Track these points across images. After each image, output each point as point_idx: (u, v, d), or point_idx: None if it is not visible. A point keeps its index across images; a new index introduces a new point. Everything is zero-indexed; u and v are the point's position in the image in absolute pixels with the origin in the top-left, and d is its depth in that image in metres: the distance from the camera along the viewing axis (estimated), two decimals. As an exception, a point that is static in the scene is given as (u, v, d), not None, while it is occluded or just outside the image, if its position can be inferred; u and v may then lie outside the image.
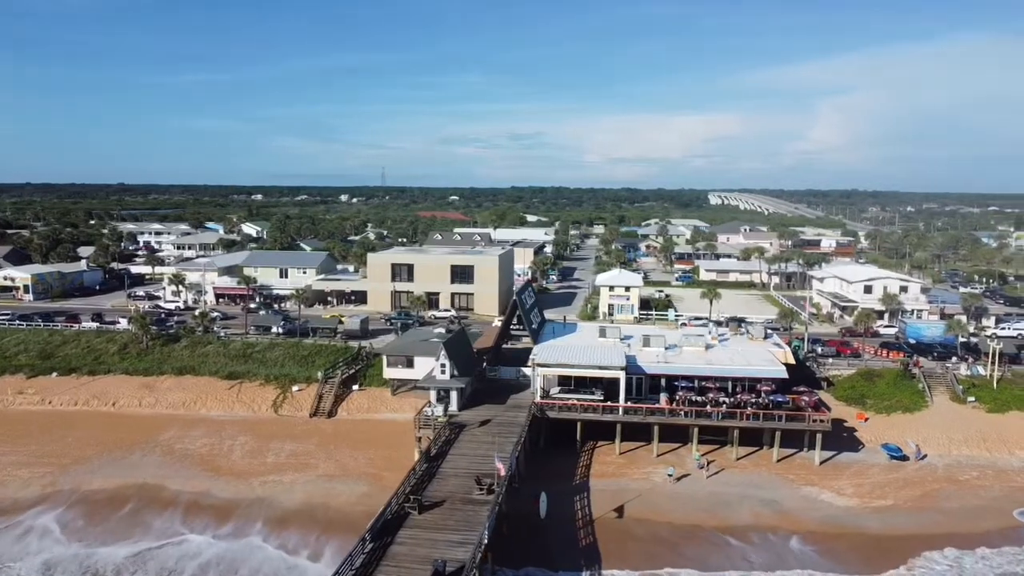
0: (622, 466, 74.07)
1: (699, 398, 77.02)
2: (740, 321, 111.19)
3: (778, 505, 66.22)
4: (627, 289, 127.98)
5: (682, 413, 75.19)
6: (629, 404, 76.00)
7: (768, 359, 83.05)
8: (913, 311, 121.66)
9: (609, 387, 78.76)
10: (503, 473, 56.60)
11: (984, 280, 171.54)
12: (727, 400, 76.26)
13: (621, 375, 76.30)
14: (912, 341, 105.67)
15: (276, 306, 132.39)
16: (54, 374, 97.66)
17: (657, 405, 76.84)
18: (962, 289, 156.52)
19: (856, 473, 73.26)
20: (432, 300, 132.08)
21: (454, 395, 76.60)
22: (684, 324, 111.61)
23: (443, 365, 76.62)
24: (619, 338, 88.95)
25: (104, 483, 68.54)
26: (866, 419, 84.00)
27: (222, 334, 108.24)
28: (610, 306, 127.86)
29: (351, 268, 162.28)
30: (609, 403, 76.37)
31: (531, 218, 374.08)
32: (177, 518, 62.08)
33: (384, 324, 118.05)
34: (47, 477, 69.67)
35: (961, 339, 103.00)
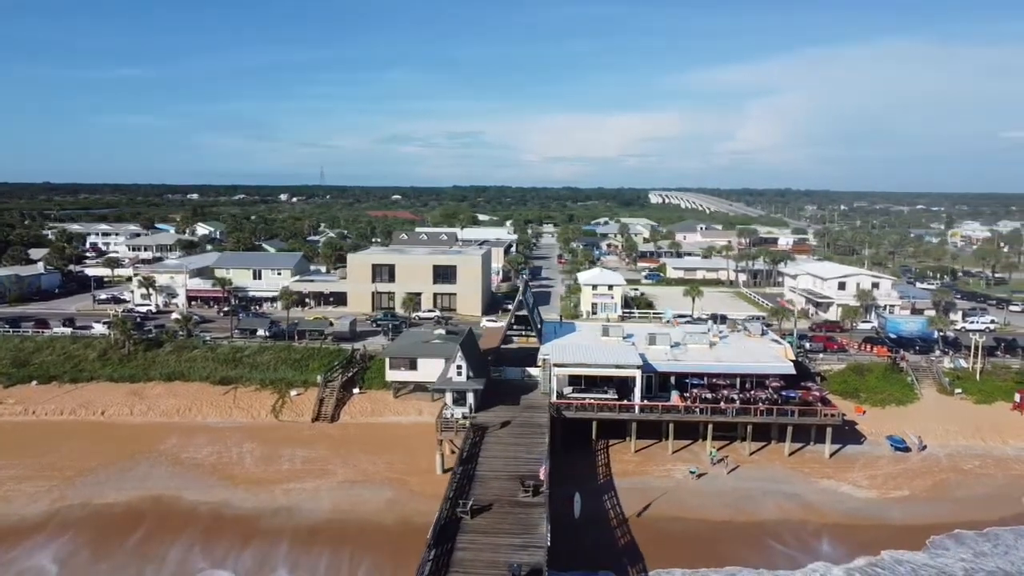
0: (640, 464, 74.59)
1: (710, 395, 78.14)
2: (723, 318, 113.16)
3: (801, 499, 67.64)
4: (610, 288, 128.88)
5: (697, 410, 76.18)
6: (645, 402, 76.60)
7: (773, 355, 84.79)
8: (886, 306, 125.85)
9: (620, 386, 79.24)
10: (544, 475, 56.36)
11: (937, 276, 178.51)
12: (738, 396, 77.51)
13: (638, 373, 76.90)
14: (892, 336, 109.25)
15: (256, 308, 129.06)
16: (33, 383, 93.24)
17: (670, 403, 77.70)
18: (919, 284, 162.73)
19: (866, 465, 75.37)
20: (413, 301, 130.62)
21: (471, 397, 75.92)
22: (668, 321, 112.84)
23: (459, 367, 75.83)
24: (622, 336, 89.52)
25: (116, 496, 65.73)
26: (864, 412, 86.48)
27: (207, 338, 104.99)
28: (593, 304, 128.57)
29: (323, 269, 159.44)
30: (625, 402, 76.82)
31: (483, 217, 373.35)
32: (196, 543, 57.80)
33: (371, 326, 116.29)
34: (55, 491, 66.44)
35: (939, 333, 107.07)
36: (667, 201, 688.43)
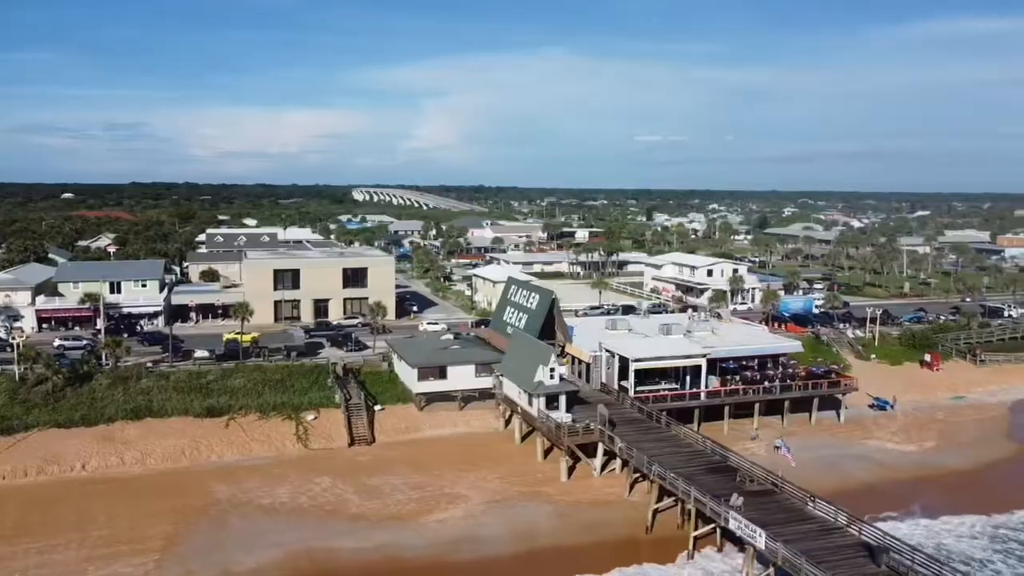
0: (715, 447, 78.62)
1: (749, 375, 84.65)
2: (699, 308, 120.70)
3: (871, 460, 76.68)
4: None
5: (750, 391, 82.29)
6: (711, 388, 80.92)
7: (770, 336, 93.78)
8: (750, 290, 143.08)
9: (677, 376, 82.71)
10: (793, 463, 58.41)
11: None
12: (777, 374, 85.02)
13: (703, 362, 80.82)
14: (786, 314, 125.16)
15: (140, 325, 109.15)
16: (-56, 442, 71.17)
17: (716, 388, 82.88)
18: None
19: (876, 425, 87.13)
20: (320, 308, 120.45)
21: (563, 400, 74.06)
22: (644, 313, 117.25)
23: (552, 370, 73.55)
24: (628, 329, 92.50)
25: (254, 560, 54.12)
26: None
27: (148, 364, 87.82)
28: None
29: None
30: (692, 390, 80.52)
31: (222, 217, 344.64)
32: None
33: (307, 337, 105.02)
34: (162, 568, 52.81)
35: (821, 310, 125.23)
36: (375, 198, 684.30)
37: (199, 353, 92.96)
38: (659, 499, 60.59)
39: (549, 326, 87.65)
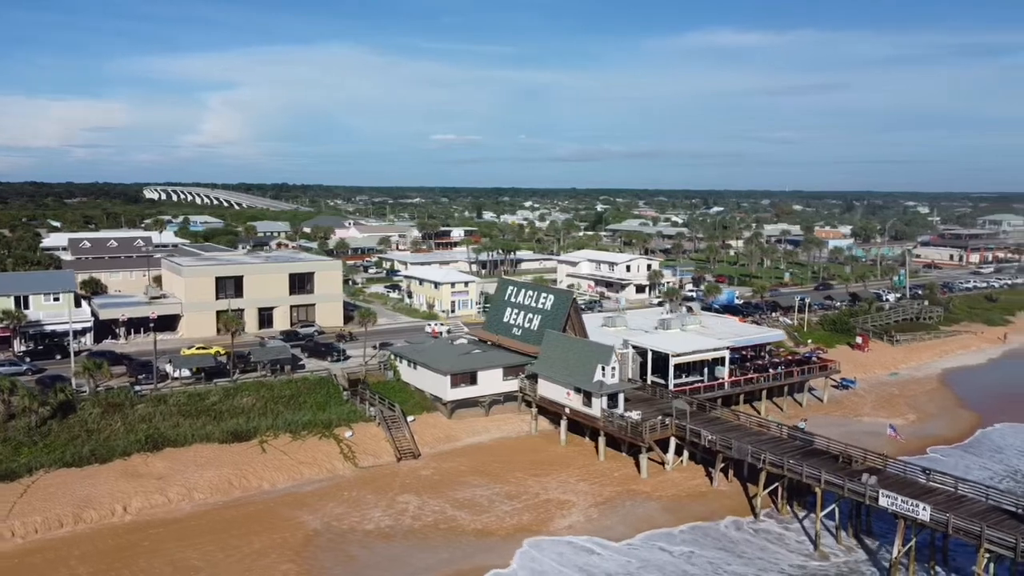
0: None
1: (760, 363, 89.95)
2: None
3: (878, 435, 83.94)
4: (466, 285, 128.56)
5: (762, 378, 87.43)
6: (733, 379, 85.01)
7: (755, 327, 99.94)
8: (666, 283, 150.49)
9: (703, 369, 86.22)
10: (902, 439, 62.74)
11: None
12: (779, 362, 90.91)
13: (727, 353, 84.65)
14: (716, 306, 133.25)
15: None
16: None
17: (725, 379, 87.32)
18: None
19: (854, 403, 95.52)
20: (265, 318, 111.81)
21: (621, 397, 74.69)
22: (623, 308, 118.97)
23: (613, 369, 73.92)
24: (627, 326, 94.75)
25: None
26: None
27: (138, 390, 77.38)
28: (452, 303, 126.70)
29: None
30: (718, 380, 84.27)
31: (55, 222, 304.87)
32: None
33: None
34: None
35: (751, 301, 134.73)
36: (175, 197, 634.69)
37: (178, 372, 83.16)
38: (767, 485, 63.05)
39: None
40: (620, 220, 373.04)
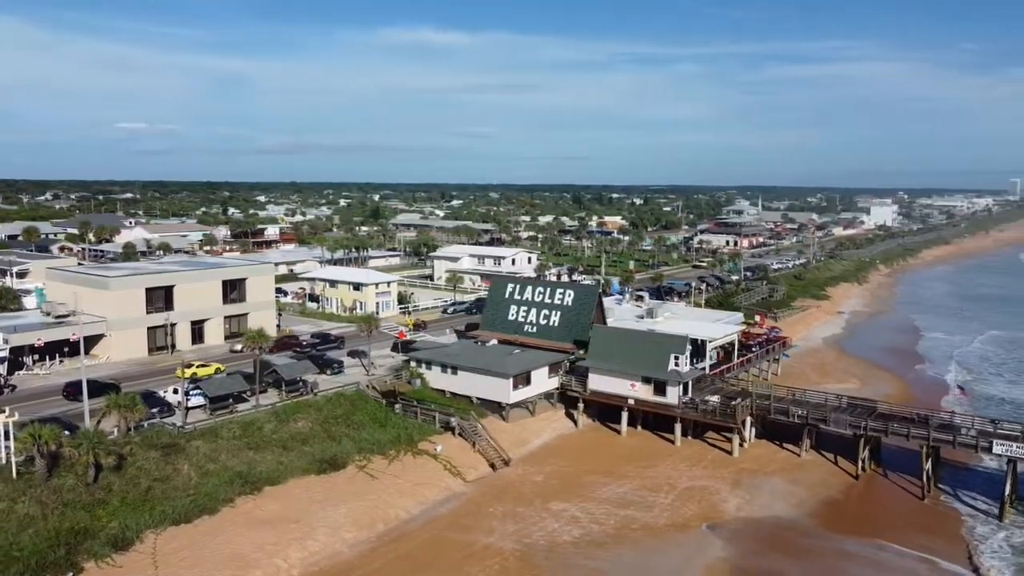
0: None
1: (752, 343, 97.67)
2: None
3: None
4: (388, 285, 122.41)
5: (753, 357, 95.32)
6: (738, 362, 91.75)
7: (724, 314, 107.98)
8: (549, 275, 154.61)
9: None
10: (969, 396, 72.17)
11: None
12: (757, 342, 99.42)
13: (736, 337, 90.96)
14: (613, 294, 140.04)
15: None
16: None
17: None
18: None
19: (803, 372, 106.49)
20: (196, 332, 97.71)
21: (690, 385, 77.53)
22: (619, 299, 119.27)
23: (687, 359, 76.57)
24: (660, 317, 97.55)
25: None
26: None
27: (176, 424, 64.53)
28: (377, 304, 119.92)
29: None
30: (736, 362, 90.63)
31: None
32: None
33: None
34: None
35: (651, 287, 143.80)
36: None
37: (192, 401, 70.57)
38: (865, 448, 69.81)
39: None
40: (392, 215, 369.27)
